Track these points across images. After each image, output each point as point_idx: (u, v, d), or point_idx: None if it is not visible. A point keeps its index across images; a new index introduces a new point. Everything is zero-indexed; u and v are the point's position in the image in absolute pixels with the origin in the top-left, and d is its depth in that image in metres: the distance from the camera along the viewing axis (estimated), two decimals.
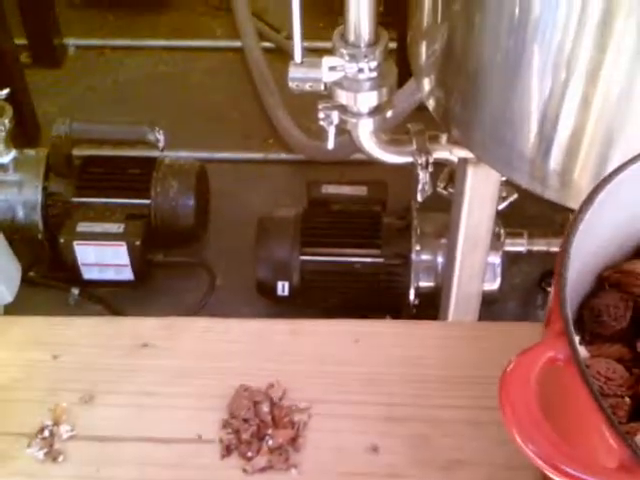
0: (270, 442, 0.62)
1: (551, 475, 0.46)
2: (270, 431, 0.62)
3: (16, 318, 0.71)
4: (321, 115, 1.09)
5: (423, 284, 1.57)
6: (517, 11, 0.83)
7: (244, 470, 0.61)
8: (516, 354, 0.51)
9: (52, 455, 0.62)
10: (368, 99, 1.05)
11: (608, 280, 0.60)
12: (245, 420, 0.63)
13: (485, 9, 0.87)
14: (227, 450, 0.62)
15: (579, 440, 0.47)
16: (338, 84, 1.03)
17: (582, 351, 0.51)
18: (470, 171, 1.15)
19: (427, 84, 1.04)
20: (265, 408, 0.63)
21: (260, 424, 0.63)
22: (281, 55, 2.14)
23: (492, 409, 0.63)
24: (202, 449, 0.63)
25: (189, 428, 0.63)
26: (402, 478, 0.61)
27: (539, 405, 0.47)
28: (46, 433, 0.63)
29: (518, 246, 1.59)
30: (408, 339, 0.68)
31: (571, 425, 0.48)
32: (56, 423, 0.63)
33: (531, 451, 0.45)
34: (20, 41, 2.04)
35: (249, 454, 0.62)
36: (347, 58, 1.01)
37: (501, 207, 1.31)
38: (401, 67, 1.09)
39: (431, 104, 1.05)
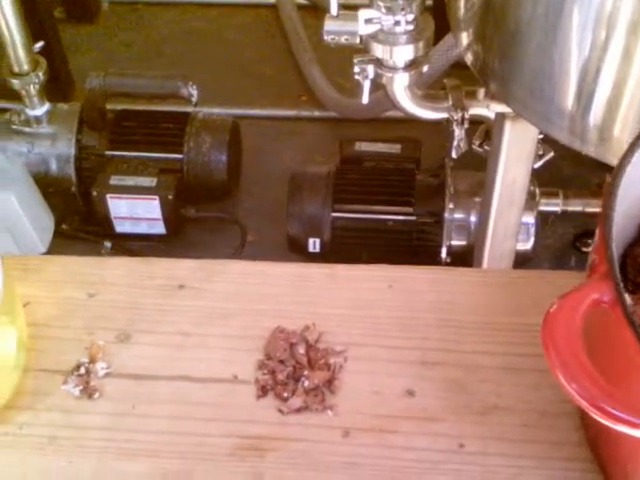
0: (306, 383, 0.62)
1: (594, 415, 0.45)
2: (306, 372, 0.62)
3: (52, 257, 0.71)
4: (356, 69, 1.08)
5: (455, 243, 1.56)
6: None
7: (280, 410, 0.61)
8: (558, 297, 0.50)
9: (88, 392, 0.62)
10: (404, 52, 1.03)
11: None
12: (281, 361, 0.63)
13: None
14: (263, 390, 0.62)
15: (622, 382, 0.47)
16: (374, 37, 1.02)
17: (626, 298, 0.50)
18: (508, 127, 1.14)
19: (465, 38, 1.03)
20: (301, 350, 0.63)
21: (296, 365, 0.63)
22: (315, 12, 2.12)
23: (528, 356, 0.63)
24: (238, 389, 0.62)
25: (225, 368, 0.63)
26: (438, 422, 0.60)
27: (583, 346, 0.46)
28: (82, 370, 0.63)
29: (553, 206, 1.57)
30: (443, 285, 0.67)
31: (614, 367, 0.47)
32: (92, 361, 0.64)
33: (574, 391, 0.45)
34: None
35: (285, 395, 0.61)
36: (384, 10, 1.00)
37: (537, 165, 1.29)
38: (436, 23, 1.07)
39: (469, 58, 1.03)
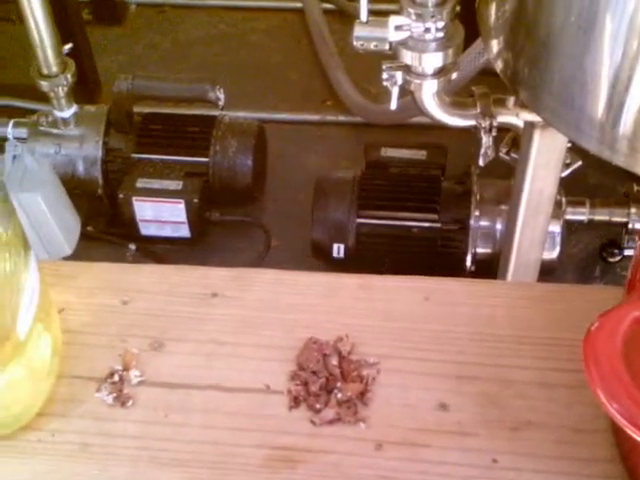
0: (339, 395, 0.61)
1: (633, 435, 0.45)
2: (339, 384, 0.62)
3: (86, 264, 0.71)
4: (385, 75, 1.08)
5: (481, 250, 1.55)
6: None
7: (312, 422, 0.61)
8: (597, 315, 0.50)
9: (121, 399, 0.62)
10: (433, 60, 1.03)
11: None
12: (314, 372, 0.63)
13: None
14: (295, 401, 0.62)
15: None
16: (403, 44, 1.02)
17: None
18: (537, 135, 1.13)
19: (496, 45, 1.03)
20: (334, 361, 0.63)
21: (329, 377, 0.62)
22: (341, 17, 2.12)
23: (562, 371, 0.63)
24: (270, 399, 0.62)
25: (257, 378, 0.63)
26: (471, 437, 0.60)
27: (624, 364, 0.46)
28: (116, 378, 0.63)
29: (579, 215, 1.56)
30: (480, 298, 0.67)
31: None
32: (126, 368, 0.64)
33: (615, 410, 0.45)
34: None
35: (317, 406, 0.61)
36: (414, 17, 1.00)
37: (565, 174, 1.29)
38: (465, 30, 1.07)
39: (499, 66, 1.03)
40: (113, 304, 0.68)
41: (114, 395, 0.63)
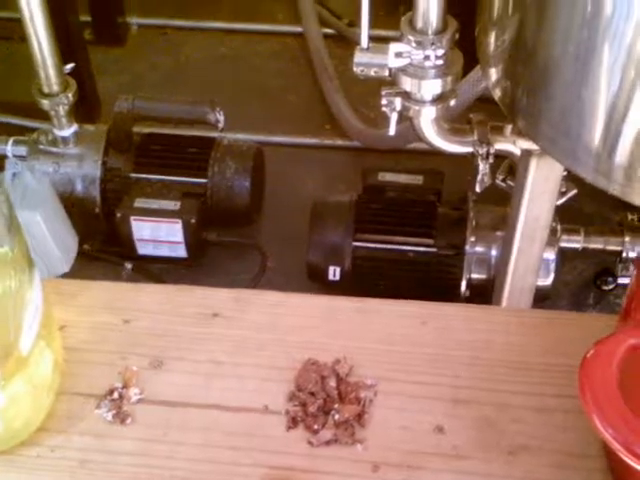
0: (336, 416, 0.62)
1: (629, 461, 0.46)
2: (336, 406, 0.63)
3: (87, 282, 0.72)
4: (384, 101, 1.09)
5: (475, 276, 1.56)
6: (590, 5, 0.82)
7: (309, 442, 0.62)
8: (592, 342, 0.51)
9: (120, 417, 0.63)
10: (432, 87, 1.04)
11: None
12: (312, 393, 0.63)
13: (558, 2, 0.86)
14: (293, 422, 0.62)
15: None
16: (403, 70, 1.03)
17: None
18: (533, 163, 1.14)
19: (494, 74, 1.04)
20: (332, 383, 0.64)
21: (326, 398, 0.63)
22: (341, 42, 2.14)
23: (557, 396, 0.64)
24: (268, 419, 0.63)
25: (256, 398, 0.64)
26: (467, 460, 0.61)
27: (619, 391, 0.46)
28: (115, 395, 0.64)
29: (574, 243, 1.57)
30: (477, 323, 0.68)
31: None
32: (125, 386, 0.64)
33: (611, 436, 0.45)
34: (83, 18, 2.06)
35: (315, 427, 0.62)
36: (414, 45, 1.01)
37: (560, 202, 1.30)
38: (463, 57, 1.09)
39: (497, 94, 1.04)
40: (114, 322, 0.68)
41: (114, 412, 0.63)
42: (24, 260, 0.57)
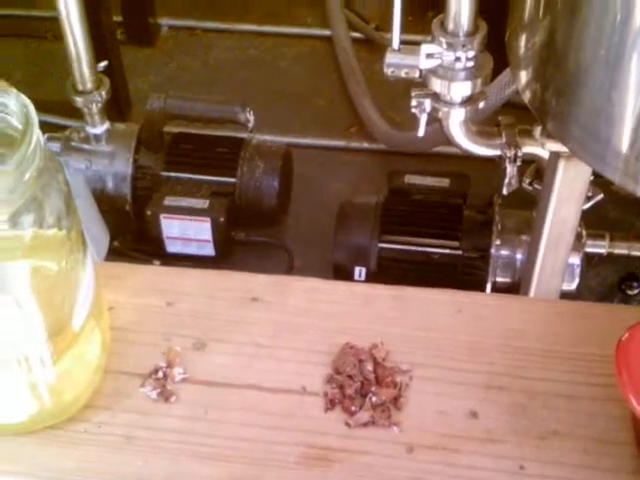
0: (373, 399, 0.64)
1: None
2: (373, 389, 0.65)
3: (133, 266, 0.74)
4: (413, 102, 1.10)
5: (500, 279, 1.57)
6: (621, 11, 0.83)
7: (347, 424, 0.64)
8: (623, 330, 0.52)
9: (165, 395, 0.65)
10: (462, 88, 1.06)
11: None
12: (350, 376, 0.65)
13: (590, 4, 0.88)
14: (331, 403, 0.64)
15: None
16: (433, 72, 1.04)
17: None
18: (561, 166, 1.15)
19: (524, 76, 1.05)
20: (369, 367, 0.66)
21: (364, 381, 0.65)
22: (368, 46, 2.16)
23: (588, 384, 0.65)
24: (306, 401, 0.65)
25: (294, 380, 0.66)
26: (500, 444, 0.62)
27: None
28: (160, 374, 0.66)
29: (599, 248, 1.58)
30: (511, 312, 0.70)
31: None
32: (169, 365, 0.66)
33: None
34: (115, 18, 2.09)
35: (352, 409, 0.64)
36: (445, 46, 1.03)
37: (586, 206, 1.31)
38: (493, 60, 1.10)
39: (527, 96, 1.05)
40: (158, 304, 0.71)
41: (158, 391, 0.65)
42: (79, 240, 0.60)
